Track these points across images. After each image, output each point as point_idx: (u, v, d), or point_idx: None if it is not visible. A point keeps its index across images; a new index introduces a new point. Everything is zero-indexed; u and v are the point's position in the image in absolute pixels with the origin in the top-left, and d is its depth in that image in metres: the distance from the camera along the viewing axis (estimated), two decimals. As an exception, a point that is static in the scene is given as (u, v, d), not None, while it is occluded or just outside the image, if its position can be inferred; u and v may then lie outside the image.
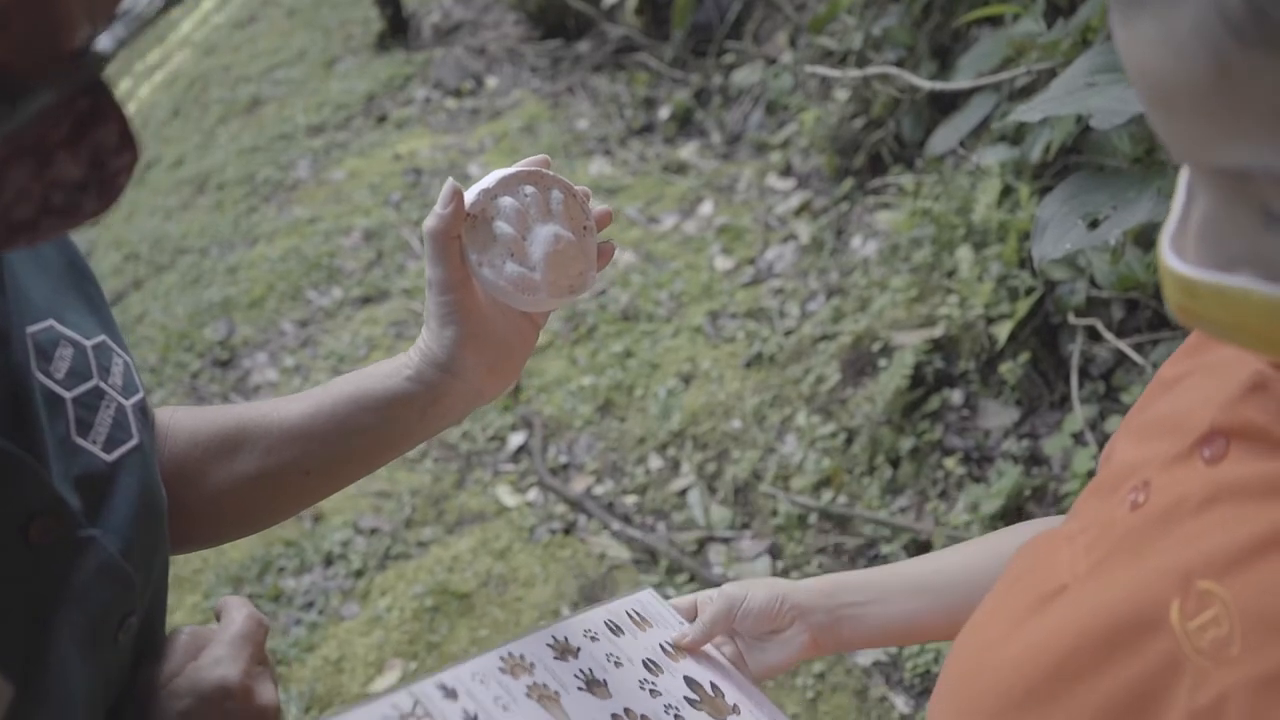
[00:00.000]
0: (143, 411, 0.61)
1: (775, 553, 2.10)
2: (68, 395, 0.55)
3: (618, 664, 0.69)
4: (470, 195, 0.67)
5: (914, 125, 2.71)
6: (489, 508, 2.36)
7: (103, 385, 0.58)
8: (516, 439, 2.52)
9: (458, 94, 4.11)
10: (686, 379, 2.53)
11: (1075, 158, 2.05)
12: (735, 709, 0.73)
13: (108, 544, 0.53)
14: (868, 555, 2.01)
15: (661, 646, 0.74)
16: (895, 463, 2.12)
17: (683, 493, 2.28)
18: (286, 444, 0.68)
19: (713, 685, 0.73)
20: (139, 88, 5.50)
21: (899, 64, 2.66)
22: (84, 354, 0.57)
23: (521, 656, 0.62)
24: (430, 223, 0.65)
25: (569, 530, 2.26)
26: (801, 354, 2.45)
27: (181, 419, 0.71)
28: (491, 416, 2.59)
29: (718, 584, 2.03)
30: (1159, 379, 0.56)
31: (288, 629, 2.15)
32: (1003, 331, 2.07)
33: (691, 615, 0.79)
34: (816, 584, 0.77)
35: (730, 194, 3.21)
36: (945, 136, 2.40)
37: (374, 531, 2.34)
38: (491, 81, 4.17)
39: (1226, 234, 0.38)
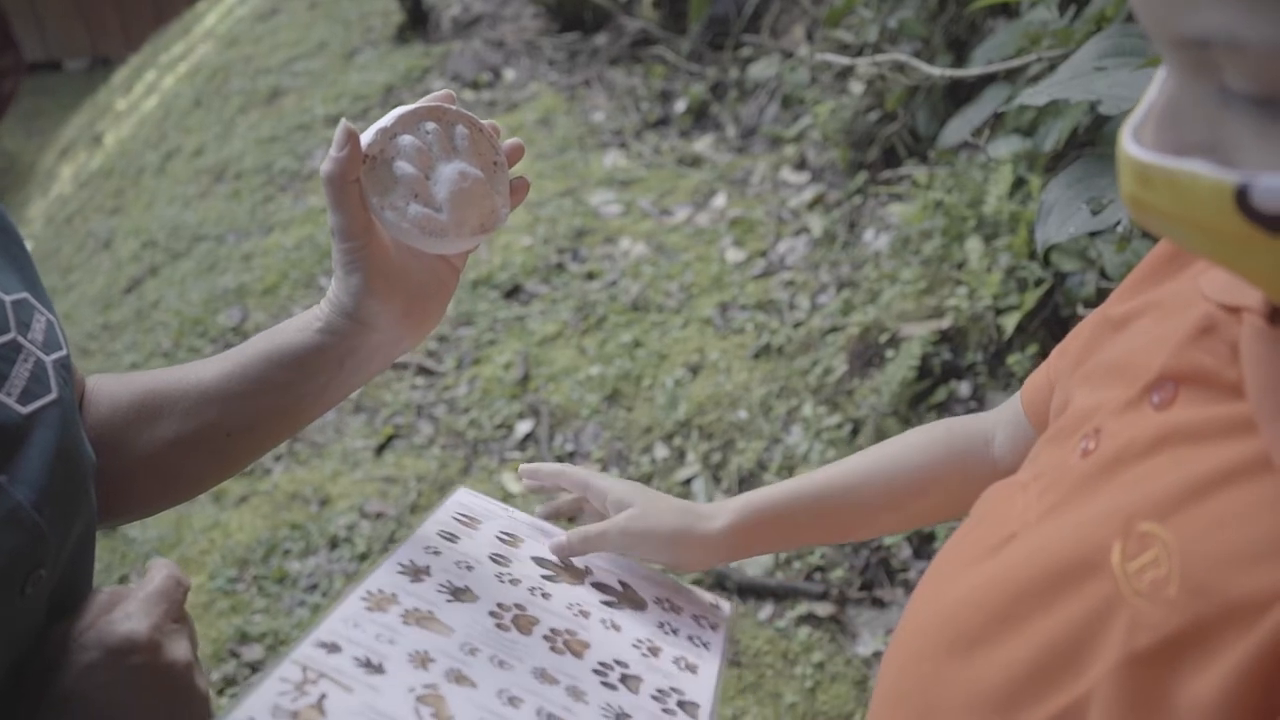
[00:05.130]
0: (65, 369, 0.61)
1: (779, 543, 2.09)
2: None
3: (469, 568, 0.69)
4: (367, 136, 0.64)
5: (928, 118, 2.69)
6: (494, 494, 2.36)
7: (21, 340, 0.58)
8: (524, 427, 2.52)
9: (475, 86, 4.12)
10: (694, 369, 2.53)
11: (1089, 150, 2.03)
12: (588, 570, 0.78)
13: (16, 493, 0.54)
14: (870, 545, 2.00)
15: (498, 537, 0.76)
16: (901, 455, 2.11)
17: (687, 482, 2.28)
18: (204, 406, 0.68)
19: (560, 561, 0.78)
20: (163, 79, 5.55)
21: (915, 56, 2.64)
22: (2, 309, 0.58)
23: (381, 590, 0.62)
24: (325, 167, 0.62)
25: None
26: (809, 346, 2.44)
27: (104, 386, 0.71)
28: (499, 404, 2.59)
29: (719, 574, 2.04)
30: (1106, 317, 0.55)
31: (292, 610, 2.16)
32: (1011, 323, 2.05)
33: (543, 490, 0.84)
34: (729, 522, 0.77)
35: (744, 187, 3.20)
36: (958, 128, 2.37)
37: (379, 516, 2.35)
38: (509, 74, 4.18)
39: (1186, 118, 0.36)
